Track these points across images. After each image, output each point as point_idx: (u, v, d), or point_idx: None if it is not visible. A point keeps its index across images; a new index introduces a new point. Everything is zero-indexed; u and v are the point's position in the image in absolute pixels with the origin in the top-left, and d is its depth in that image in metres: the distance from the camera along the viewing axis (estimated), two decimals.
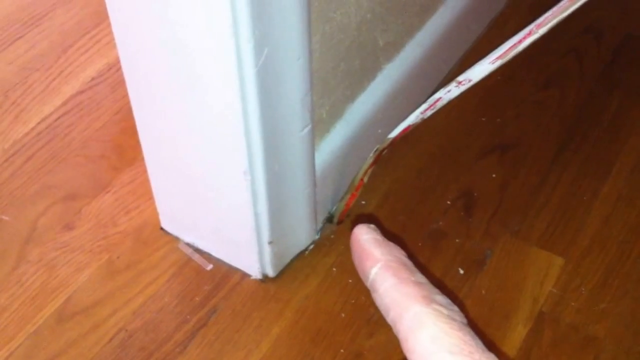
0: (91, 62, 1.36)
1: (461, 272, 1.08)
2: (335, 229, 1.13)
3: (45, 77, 1.34)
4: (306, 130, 0.95)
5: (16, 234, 1.13)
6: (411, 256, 1.10)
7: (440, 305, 0.39)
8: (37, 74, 1.35)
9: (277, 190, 0.97)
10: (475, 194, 1.16)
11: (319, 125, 1.04)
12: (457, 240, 1.11)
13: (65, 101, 1.30)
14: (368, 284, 0.41)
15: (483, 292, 1.05)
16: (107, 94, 1.31)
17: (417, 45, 1.20)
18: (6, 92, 1.32)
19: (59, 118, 1.28)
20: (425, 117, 1.00)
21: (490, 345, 1.00)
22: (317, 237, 1.11)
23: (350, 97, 1.10)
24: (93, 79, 1.33)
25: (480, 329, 1.02)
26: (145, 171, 1.08)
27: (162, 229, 1.13)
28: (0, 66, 1.36)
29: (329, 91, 1.04)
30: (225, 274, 1.08)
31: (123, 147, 1.23)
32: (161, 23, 0.85)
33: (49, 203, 1.17)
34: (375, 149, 1.06)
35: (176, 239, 1.12)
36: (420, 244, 1.11)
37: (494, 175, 1.18)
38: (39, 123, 1.27)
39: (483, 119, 1.26)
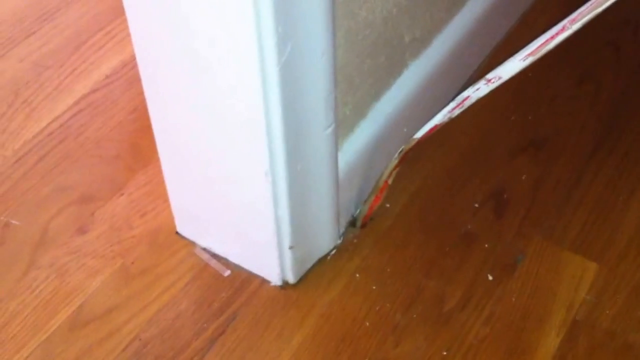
0: (106, 59, 1.34)
1: (490, 278, 1.04)
2: (359, 232, 1.10)
3: (58, 74, 1.32)
4: (330, 129, 0.93)
5: (27, 237, 1.11)
6: (439, 260, 1.08)
7: None
8: (49, 71, 1.32)
9: (299, 192, 0.95)
10: (506, 195, 1.13)
11: (343, 124, 1.02)
12: (487, 244, 1.08)
13: (79, 100, 1.28)
14: None
15: (514, 298, 1.02)
16: (122, 92, 1.28)
17: (444, 41, 1.17)
18: (18, 90, 1.30)
19: (72, 117, 1.25)
20: (453, 116, 0.98)
21: (522, 353, 0.97)
22: (339, 241, 1.08)
23: (375, 95, 1.07)
24: (107, 76, 1.31)
25: (512, 336, 0.99)
26: (161, 172, 1.05)
27: (177, 233, 1.10)
28: (11, 63, 1.34)
29: (354, 89, 1.01)
30: (244, 280, 1.06)
31: (138, 147, 1.21)
32: (180, 19, 0.83)
33: (62, 205, 1.14)
34: (400, 150, 1.03)
35: (193, 244, 1.09)
36: (448, 248, 1.08)
37: (525, 176, 1.15)
38: (51, 122, 1.25)
39: (514, 117, 1.23)
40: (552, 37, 0.88)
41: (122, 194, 1.15)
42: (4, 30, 1.40)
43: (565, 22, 0.87)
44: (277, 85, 0.83)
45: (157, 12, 0.84)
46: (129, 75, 1.30)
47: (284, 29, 0.79)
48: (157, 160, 1.04)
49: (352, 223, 1.10)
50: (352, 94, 1.01)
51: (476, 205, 1.12)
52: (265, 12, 0.76)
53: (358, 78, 1.01)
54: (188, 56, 0.86)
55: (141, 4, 0.85)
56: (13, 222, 1.12)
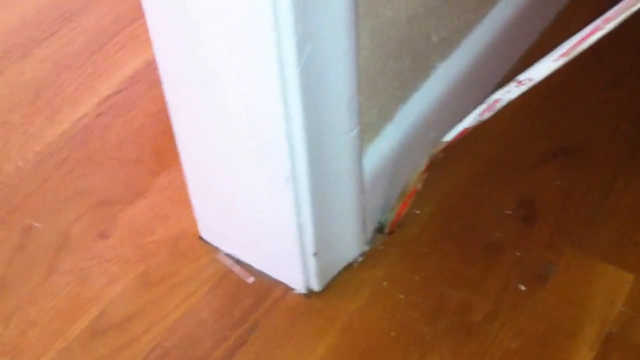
0: (128, 60, 1.32)
1: (522, 288, 1.01)
2: (386, 239, 1.07)
3: (79, 75, 1.31)
4: (353, 132, 0.91)
5: (48, 242, 1.10)
6: (467, 270, 1.06)
7: None
8: (70, 72, 1.31)
9: (322, 197, 0.93)
10: (537, 203, 1.10)
11: (368, 128, 0.99)
12: (516, 253, 1.05)
13: (100, 101, 1.27)
14: None
15: (546, 310, 0.99)
16: (144, 93, 1.27)
17: (474, 42, 1.14)
18: (38, 91, 1.28)
19: (93, 119, 1.24)
20: (483, 119, 0.96)
21: None
22: (366, 248, 1.06)
23: (401, 97, 1.05)
24: (130, 77, 1.30)
25: (543, 350, 0.96)
26: (183, 175, 1.03)
27: (201, 238, 1.08)
28: (32, 64, 1.33)
29: (378, 91, 0.99)
30: (267, 287, 1.03)
31: (160, 149, 1.19)
32: (198, 21, 0.81)
33: (82, 209, 1.13)
34: (428, 154, 1.00)
35: (216, 249, 1.07)
36: (476, 257, 1.05)
37: (557, 182, 1.12)
38: (72, 124, 1.23)
39: (544, 122, 1.20)
40: (586, 37, 0.85)
41: (144, 198, 1.14)
42: (25, 30, 1.39)
43: (599, 21, 0.84)
44: (297, 87, 0.81)
45: (177, 15, 0.83)
46: (151, 77, 1.29)
47: (304, 29, 0.77)
48: (179, 163, 1.02)
49: (380, 229, 1.08)
50: (377, 97, 0.99)
51: (505, 213, 1.09)
52: (284, 12, 0.74)
53: (383, 80, 0.99)
54: (207, 59, 0.84)
55: (160, 7, 0.84)
56: (34, 225, 1.11)
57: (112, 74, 1.30)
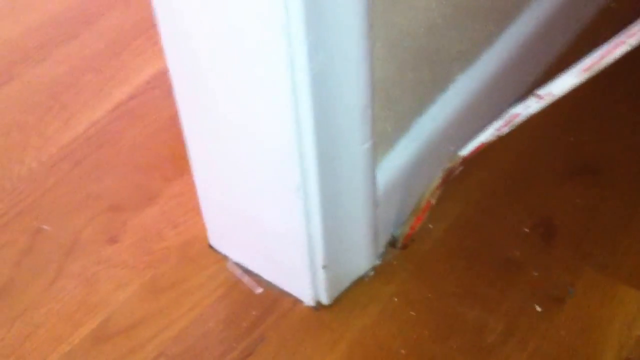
0: (147, 65, 1.32)
1: (538, 309, 0.98)
2: (399, 254, 1.05)
3: (97, 79, 1.30)
4: (367, 144, 0.89)
5: (57, 245, 1.09)
6: (482, 289, 1.02)
7: None
8: (88, 75, 1.31)
9: (332, 209, 0.91)
10: (557, 222, 1.07)
11: (383, 140, 0.97)
12: (534, 273, 1.02)
13: (117, 105, 1.26)
14: None
15: (563, 333, 0.96)
16: (162, 98, 1.26)
17: (495, 55, 1.12)
18: (55, 95, 1.28)
19: (109, 123, 1.24)
20: (501, 134, 0.93)
21: None
22: (377, 262, 1.04)
23: (418, 109, 1.03)
24: (147, 82, 1.29)
25: None
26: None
27: (210, 246, 1.07)
28: (51, 67, 1.33)
29: (394, 103, 0.97)
30: (275, 298, 1.02)
31: (175, 155, 1.18)
32: (207, 27, 0.80)
33: (94, 213, 1.12)
34: (444, 168, 0.98)
35: (225, 258, 1.06)
36: (491, 275, 1.02)
37: (578, 201, 1.09)
38: (88, 128, 1.23)
39: (568, 138, 1.17)
40: (609, 52, 0.83)
41: (156, 204, 1.13)
42: (45, 33, 1.39)
43: (623, 36, 0.82)
44: (309, 96, 0.79)
45: (185, 23, 0.82)
46: (168, 83, 1.24)
47: (316, 37, 0.75)
48: None
49: (392, 243, 1.05)
50: (393, 108, 0.97)
51: (524, 231, 1.06)
52: (296, 18, 0.73)
53: (399, 92, 0.97)
54: (216, 68, 0.83)
55: (169, 14, 0.84)
56: (44, 227, 1.11)
57: (129, 79, 1.30)
